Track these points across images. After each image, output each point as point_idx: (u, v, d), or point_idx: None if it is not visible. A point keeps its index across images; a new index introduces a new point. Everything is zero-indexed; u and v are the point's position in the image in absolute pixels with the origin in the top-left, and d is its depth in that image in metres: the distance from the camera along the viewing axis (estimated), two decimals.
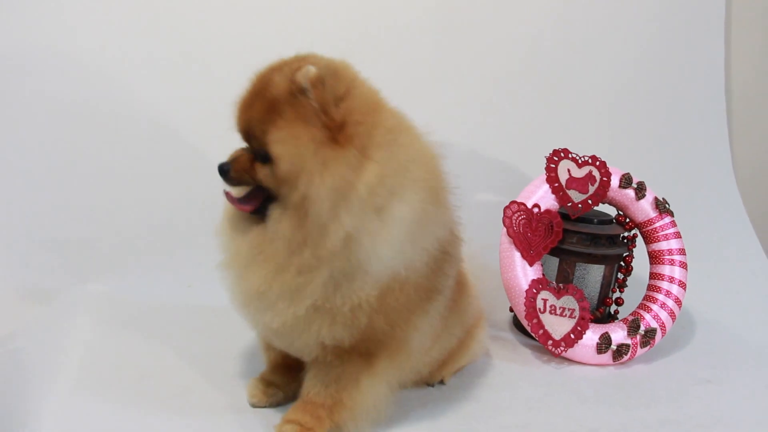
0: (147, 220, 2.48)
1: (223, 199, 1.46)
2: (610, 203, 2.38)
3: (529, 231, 2.22)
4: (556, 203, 2.28)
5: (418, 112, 2.87)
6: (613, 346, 2.17)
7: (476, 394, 1.92)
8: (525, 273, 2.20)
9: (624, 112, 3.13)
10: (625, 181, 2.33)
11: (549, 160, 2.32)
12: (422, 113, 2.85)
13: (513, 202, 2.24)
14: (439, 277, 1.51)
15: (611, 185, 2.32)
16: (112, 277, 2.39)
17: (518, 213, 2.22)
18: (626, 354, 2.18)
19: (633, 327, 2.21)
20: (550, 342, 2.15)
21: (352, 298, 1.34)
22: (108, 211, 2.48)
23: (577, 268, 2.30)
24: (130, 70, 2.55)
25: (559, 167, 2.31)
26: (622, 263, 2.38)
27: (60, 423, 1.55)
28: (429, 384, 1.92)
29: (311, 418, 1.47)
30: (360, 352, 1.43)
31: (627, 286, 2.41)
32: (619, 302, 2.39)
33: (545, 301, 2.16)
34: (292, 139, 1.27)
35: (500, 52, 2.99)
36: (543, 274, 2.22)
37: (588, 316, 2.17)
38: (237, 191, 1.46)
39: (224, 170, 1.38)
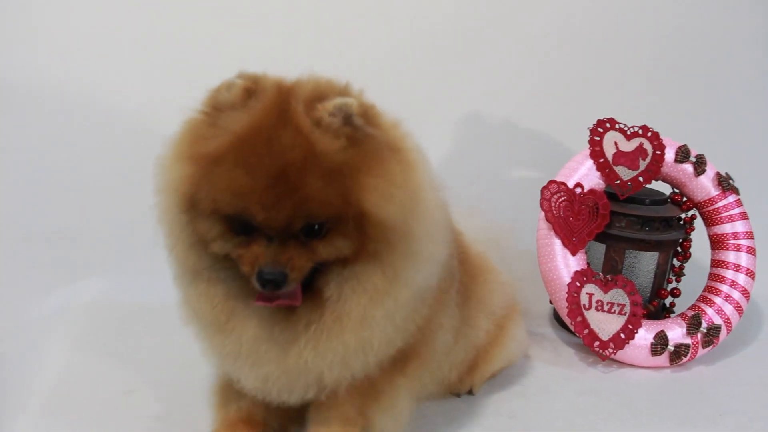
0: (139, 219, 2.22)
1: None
2: (664, 180, 2.09)
3: (571, 215, 1.93)
4: (601, 182, 1.99)
5: (449, 81, 2.74)
6: (671, 347, 1.89)
7: (509, 407, 1.66)
8: (567, 264, 1.92)
9: (678, 76, 2.78)
10: (682, 154, 2.03)
11: (593, 131, 2.03)
12: (453, 82, 2.73)
13: (551, 181, 1.95)
14: (451, 264, 1.40)
15: (665, 159, 2.02)
16: (103, 276, 2.18)
17: (558, 194, 1.94)
18: (685, 355, 1.90)
19: (693, 324, 1.91)
20: (596, 343, 1.87)
21: (409, 328, 1.26)
22: (101, 208, 2.30)
23: (626, 255, 2.01)
24: (125, 66, 2.38)
25: (604, 140, 2.01)
26: (678, 249, 2.09)
27: None
28: (456, 394, 1.68)
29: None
30: (389, 362, 1.30)
31: (684, 275, 2.11)
32: (675, 293, 2.09)
33: (590, 295, 1.88)
34: (396, 194, 1.11)
35: (537, 12, 2.67)
36: (588, 265, 1.93)
37: (640, 311, 1.89)
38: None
39: (280, 281, 1.09)
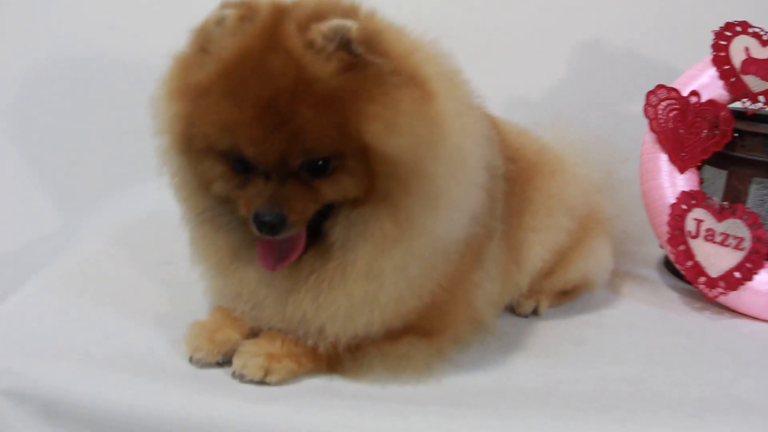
0: None
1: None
2: None
3: (683, 126, 1.61)
4: (725, 93, 1.65)
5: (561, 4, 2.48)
6: None
7: (578, 334, 1.40)
8: (673, 182, 1.61)
9: None
10: None
11: (718, 35, 1.69)
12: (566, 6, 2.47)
13: (659, 86, 1.64)
14: (489, 212, 1.21)
15: None
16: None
17: (667, 102, 1.62)
18: None
19: None
20: (702, 279, 1.54)
21: (425, 284, 1.11)
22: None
23: (753, 185, 1.65)
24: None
25: (732, 45, 1.67)
26: None
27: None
28: (521, 314, 1.45)
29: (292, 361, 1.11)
30: (416, 331, 1.16)
31: None
32: None
33: (699, 222, 1.56)
34: (404, 124, 0.96)
35: None
36: (700, 187, 1.60)
37: (764, 249, 1.54)
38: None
39: (277, 224, 0.97)
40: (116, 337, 1.22)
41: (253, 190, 0.99)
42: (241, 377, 1.07)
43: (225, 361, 1.12)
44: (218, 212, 1.09)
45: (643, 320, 1.50)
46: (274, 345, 1.10)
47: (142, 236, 1.69)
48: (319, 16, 0.96)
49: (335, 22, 0.94)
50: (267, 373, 1.07)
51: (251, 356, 1.08)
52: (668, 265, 1.86)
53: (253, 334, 1.16)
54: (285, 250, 1.04)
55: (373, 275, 1.03)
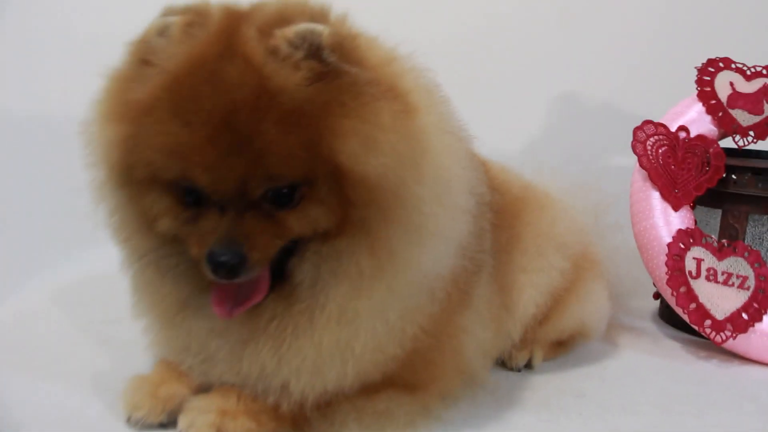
0: None
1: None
2: None
3: (673, 162, 1.51)
4: (713, 128, 1.57)
5: (545, 58, 2.45)
6: None
7: (579, 386, 1.25)
8: (667, 220, 1.49)
9: None
10: None
11: (701, 71, 1.63)
12: (550, 59, 2.43)
13: (647, 121, 1.55)
14: (476, 246, 1.07)
15: None
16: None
17: (656, 138, 1.53)
18: None
19: None
20: (708, 323, 1.41)
21: (407, 328, 0.95)
22: None
23: (750, 223, 1.55)
24: None
25: (716, 80, 1.61)
26: None
27: None
28: (512, 368, 1.29)
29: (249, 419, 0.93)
30: (397, 384, 1.00)
31: None
32: None
33: (699, 261, 1.44)
34: (383, 141, 0.83)
35: None
36: (695, 224, 1.49)
37: None
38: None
39: (235, 264, 0.82)
40: (45, 400, 1.05)
41: (207, 226, 0.84)
42: None
43: (170, 422, 0.94)
44: (164, 254, 0.92)
45: (647, 371, 1.35)
46: (229, 401, 0.93)
47: (84, 295, 1.54)
48: (283, 20, 0.84)
49: (303, 27, 0.82)
50: None
51: (200, 413, 0.91)
52: (665, 316, 1.73)
53: (204, 389, 0.98)
54: (245, 292, 0.88)
55: (346, 320, 0.89)
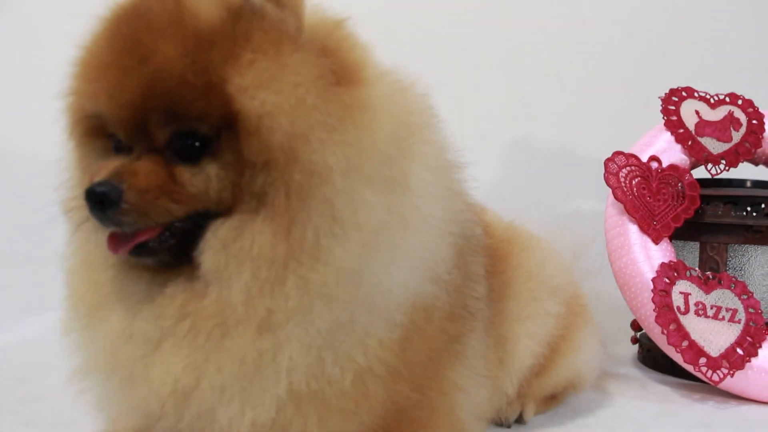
0: None
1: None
2: (767, 163, 1.58)
3: (648, 194, 1.44)
4: (685, 158, 1.51)
5: (494, 99, 2.39)
6: None
7: None
8: (648, 254, 1.41)
9: None
10: None
11: (665, 100, 1.59)
12: (499, 101, 2.38)
13: (617, 153, 1.48)
14: (468, 290, 0.97)
15: (767, 131, 1.53)
16: None
17: (628, 169, 1.46)
18: None
19: None
20: (702, 361, 1.31)
21: (357, 356, 0.79)
22: None
23: (730, 254, 1.48)
24: None
25: (681, 108, 1.57)
26: None
27: None
28: (503, 423, 1.15)
29: None
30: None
31: None
32: None
33: (686, 296, 1.35)
34: (285, 81, 0.73)
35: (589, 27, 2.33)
36: (676, 258, 1.41)
37: (761, 320, 1.34)
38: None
39: (109, 198, 0.73)
40: None
41: (102, 165, 0.77)
42: None
43: None
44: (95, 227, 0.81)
45: (646, 417, 1.24)
46: None
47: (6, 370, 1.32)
48: None
49: None
50: None
51: None
52: (646, 360, 1.63)
53: None
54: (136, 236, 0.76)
55: (263, 325, 0.73)
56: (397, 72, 0.86)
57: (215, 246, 0.74)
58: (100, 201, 0.72)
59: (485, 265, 1.03)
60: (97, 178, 0.74)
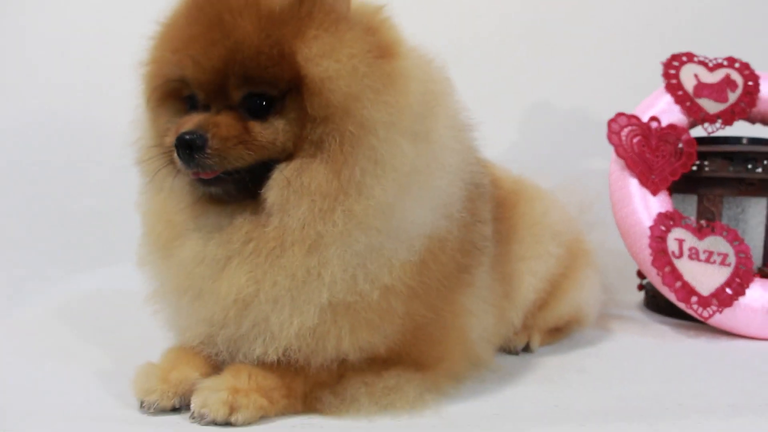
0: None
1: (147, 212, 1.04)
2: (762, 120, 1.69)
3: (648, 151, 1.57)
4: (683, 118, 1.64)
5: (513, 67, 2.53)
6: None
7: (580, 363, 1.27)
8: (647, 205, 1.54)
9: None
10: None
11: (666, 65, 1.70)
12: (518, 69, 2.50)
13: (619, 114, 1.61)
14: (477, 229, 1.11)
15: (761, 92, 1.64)
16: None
17: (629, 128, 1.59)
18: None
19: None
20: (694, 300, 1.44)
21: (383, 275, 0.93)
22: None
23: (725, 205, 1.61)
24: None
25: (681, 72, 1.68)
26: None
27: None
28: (511, 351, 1.32)
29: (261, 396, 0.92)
30: (405, 362, 1.00)
31: None
32: None
33: (681, 242, 1.48)
34: (343, 52, 0.91)
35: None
36: (674, 208, 1.55)
37: (750, 264, 1.47)
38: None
39: (196, 144, 0.89)
40: (53, 394, 1.03)
41: (186, 119, 0.93)
42: (201, 418, 0.88)
43: (183, 405, 0.93)
44: (169, 173, 0.98)
45: (642, 349, 1.38)
46: (240, 379, 0.92)
47: (90, 308, 1.56)
48: None
49: None
50: (232, 410, 0.89)
51: (212, 392, 0.90)
52: (650, 305, 1.77)
53: (216, 371, 0.97)
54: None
55: (313, 246, 0.90)
56: (422, 48, 1.03)
57: (281, 183, 0.91)
58: (189, 146, 0.88)
59: (493, 211, 1.19)
60: (184, 128, 0.89)
